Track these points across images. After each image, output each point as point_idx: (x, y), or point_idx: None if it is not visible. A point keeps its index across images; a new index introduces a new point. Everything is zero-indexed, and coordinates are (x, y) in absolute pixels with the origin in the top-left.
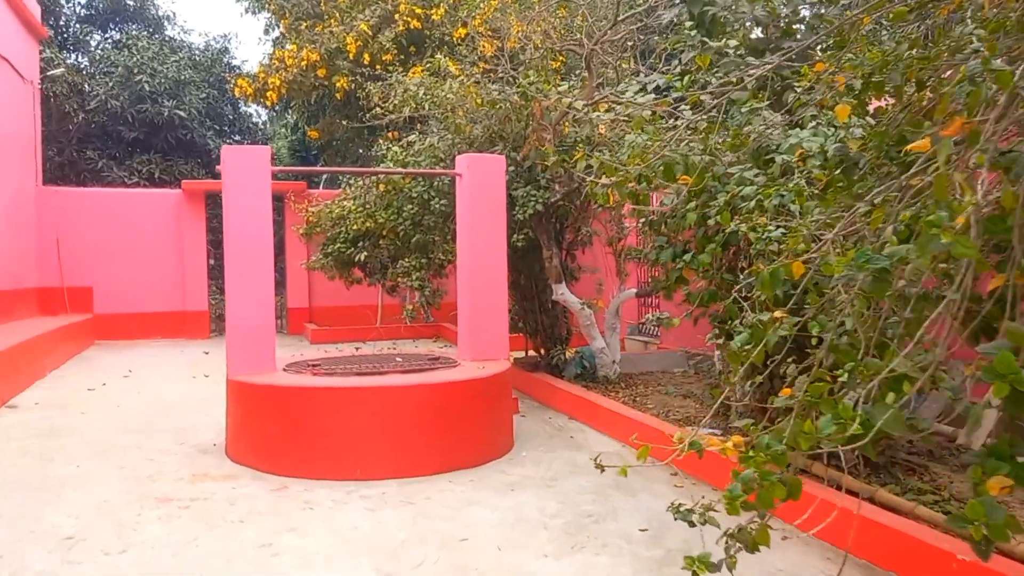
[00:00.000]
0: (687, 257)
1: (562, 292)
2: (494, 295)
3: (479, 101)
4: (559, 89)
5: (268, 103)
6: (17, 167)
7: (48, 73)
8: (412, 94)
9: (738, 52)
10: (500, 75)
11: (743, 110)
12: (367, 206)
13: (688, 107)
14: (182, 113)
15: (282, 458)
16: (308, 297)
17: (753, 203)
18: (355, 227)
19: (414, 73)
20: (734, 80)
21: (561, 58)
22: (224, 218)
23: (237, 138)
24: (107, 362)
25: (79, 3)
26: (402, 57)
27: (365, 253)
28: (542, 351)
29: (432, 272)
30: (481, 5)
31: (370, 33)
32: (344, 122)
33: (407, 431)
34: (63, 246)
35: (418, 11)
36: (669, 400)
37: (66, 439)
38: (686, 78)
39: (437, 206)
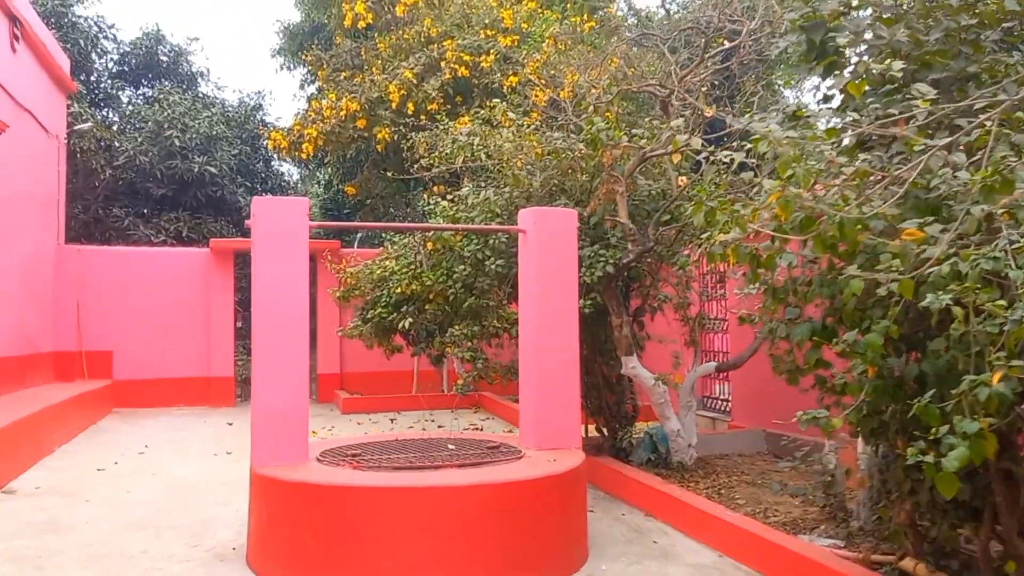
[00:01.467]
0: (849, 337)
1: (633, 366)
2: (564, 372)
3: (540, 151)
4: (672, 125)
5: (303, 156)
6: (36, 224)
7: (75, 128)
8: (463, 144)
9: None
10: (560, 123)
11: (915, 150)
12: (413, 267)
13: (832, 148)
14: (213, 169)
15: (316, 573)
16: (339, 362)
17: (947, 268)
18: (398, 290)
19: (461, 123)
20: (896, 113)
21: (617, 108)
22: (253, 280)
23: (269, 196)
24: (123, 435)
25: (111, 59)
26: (448, 107)
27: (409, 320)
28: (605, 431)
29: (484, 341)
30: (543, 48)
31: (415, 81)
32: (388, 173)
33: (469, 542)
34: (83, 307)
35: (466, 58)
36: (760, 494)
37: (63, 538)
38: (824, 109)
39: (492, 267)
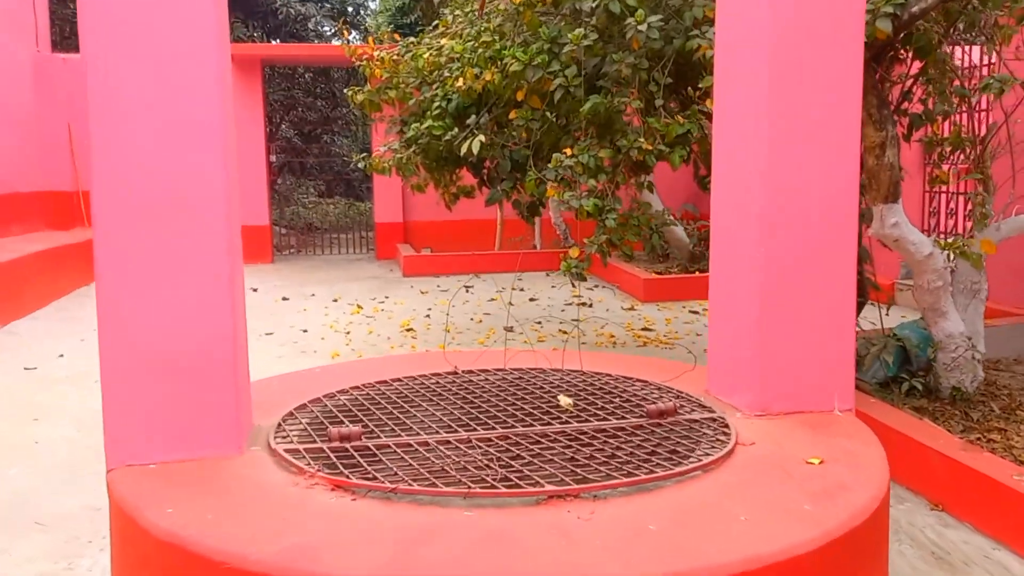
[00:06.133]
0: None
1: (895, 221)
2: (829, 246)
3: None
4: None
5: None
6: None
7: None
8: None
9: None
10: None
11: None
12: (485, 42)
13: None
14: None
15: None
16: (401, 208)
17: None
18: (460, 85)
19: None
20: None
21: None
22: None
23: (328, 4)
24: None
25: None
26: None
27: (481, 138)
28: None
29: (617, 179)
30: None
31: None
32: None
33: None
34: (78, 135)
35: None
36: None
37: None
38: None
39: (639, 35)
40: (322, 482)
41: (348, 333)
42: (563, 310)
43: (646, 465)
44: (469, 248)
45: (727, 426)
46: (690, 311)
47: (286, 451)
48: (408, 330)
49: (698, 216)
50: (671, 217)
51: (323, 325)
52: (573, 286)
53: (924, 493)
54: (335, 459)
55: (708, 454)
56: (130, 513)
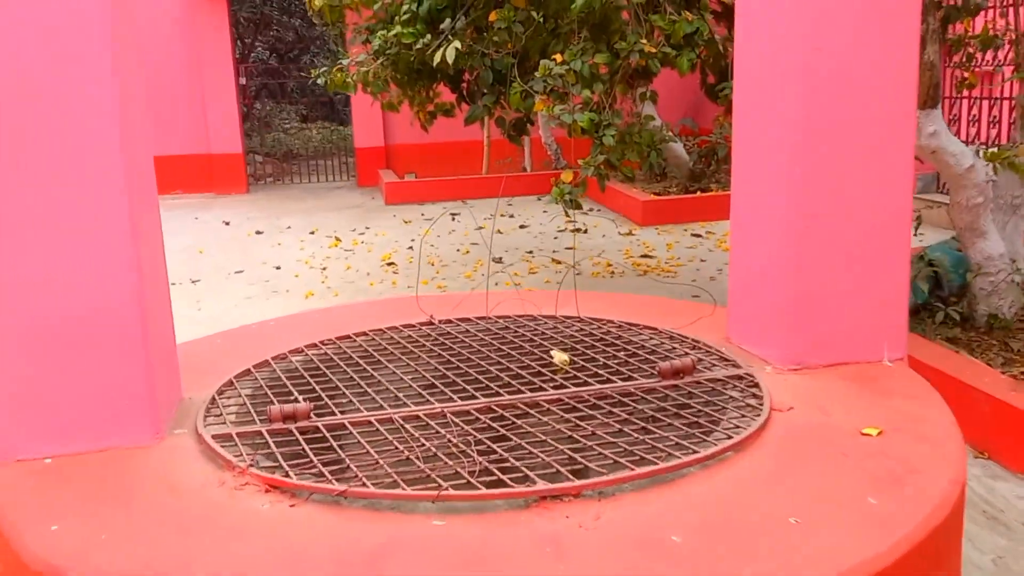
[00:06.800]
0: None
1: (933, 130)
2: (877, 162)
3: None
4: None
5: None
6: None
7: None
8: None
9: None
10: None
11: None
12: None
13: None
14: None
15: None
16: (382, 131)
17: None
18: None
19: None
20: None
21: None
22: None
23: None
24: None
25: None
26: None
27: (457, 46)
28: None
29: (616, 89)
30: None
31: None
32: None
33: None
34: None
35: None
36: None
37: None
38: None
39: None
40: (255, 481)
41: (324, 269)
42: (556, 237)
43: (662, 445)
44: (455, 172)
45: (757, 386)
46: (692, 234)
47: (215, 437)
48: (389, 264)
49: (697, 131)
50: (670, 133)
51: (298, 261)
52: (566, 215)
53: (966, 438)
54: (274, 447)
55: (738, 426)
56: (5, 530)
